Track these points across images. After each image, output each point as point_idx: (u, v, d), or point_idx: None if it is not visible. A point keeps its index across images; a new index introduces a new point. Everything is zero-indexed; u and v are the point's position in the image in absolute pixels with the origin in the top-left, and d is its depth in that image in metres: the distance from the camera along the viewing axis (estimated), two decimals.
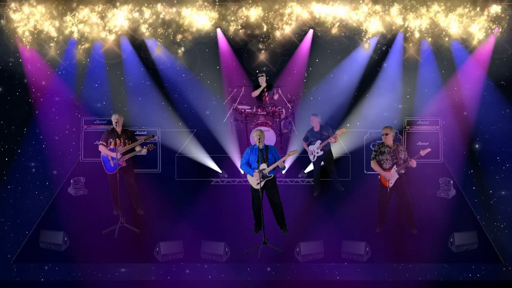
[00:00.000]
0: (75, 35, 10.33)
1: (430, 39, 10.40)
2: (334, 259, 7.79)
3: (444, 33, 10.25)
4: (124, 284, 7.51)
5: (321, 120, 9.43)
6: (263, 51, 11.25)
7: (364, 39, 10.65)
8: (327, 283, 7.49)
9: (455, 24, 10.13)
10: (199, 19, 10.32)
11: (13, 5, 10.08)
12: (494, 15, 10.01)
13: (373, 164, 8.17)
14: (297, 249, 7.80)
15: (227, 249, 7.84)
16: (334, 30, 10.45)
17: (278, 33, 10.57)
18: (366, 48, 10.96)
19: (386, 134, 8.08)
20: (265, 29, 10.55)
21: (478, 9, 10.01)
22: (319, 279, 7.54)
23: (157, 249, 7.81)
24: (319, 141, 9.34)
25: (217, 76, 11.88)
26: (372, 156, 8.22)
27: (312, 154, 9.45)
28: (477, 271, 7.58)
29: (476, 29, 10.13)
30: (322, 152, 9.40)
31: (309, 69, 11.84)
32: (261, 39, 10.99)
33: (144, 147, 8.57)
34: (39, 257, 7.90)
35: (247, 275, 7.59)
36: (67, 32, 10.26)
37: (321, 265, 7.71)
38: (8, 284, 7.55)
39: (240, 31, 10.54)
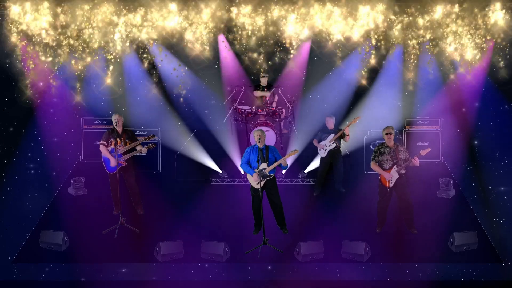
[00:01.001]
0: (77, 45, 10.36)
1: (431, 51, 10.43)
2: (334, 259, 7.80)
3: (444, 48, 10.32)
4: (124, 284, 7.50)
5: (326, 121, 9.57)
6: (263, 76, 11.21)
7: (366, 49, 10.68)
8: (327, 283, 7.49)
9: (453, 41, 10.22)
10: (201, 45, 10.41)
11: (13, 5, 10.06)
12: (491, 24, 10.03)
13: (373, 165, 8.18)
14: (297, 249, 7.80)
15: (227, 249, 7.84)
16: (334, 47, 10.52)
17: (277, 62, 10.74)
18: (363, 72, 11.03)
19: (390, 133, 8.08)
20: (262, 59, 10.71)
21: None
22: (319, 279, 7.54)
23: (157, 249, 7.81)
24: (332, 134, 9.37)
25: (217, 76, 11.87)
26: (372, 157, 8.23)
27: (323, 148, 9.46)
28: (477, 271, 7.58)
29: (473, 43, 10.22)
30: (334, 145, 9.41)
31: (308, 67, 11.83)
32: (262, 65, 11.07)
33: (145, 146, 8.59)
34: (39, 257, 7.90)
35: (247, 275, 7.59)
36: (65, 42, 10.29)
37: (321, 265, 7.71)
38: (8, 284, 7.54)
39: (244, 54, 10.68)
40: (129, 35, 10.37)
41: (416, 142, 10.63)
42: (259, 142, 8.05)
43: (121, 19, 10.24)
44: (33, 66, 10.51)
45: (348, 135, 9.41)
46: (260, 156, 8.02)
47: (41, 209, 9.16)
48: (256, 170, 7.97)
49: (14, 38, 10.22)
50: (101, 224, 8.55)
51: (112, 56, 10.57)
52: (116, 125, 8.58)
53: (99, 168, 9.10)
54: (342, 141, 9.59)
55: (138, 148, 8.61)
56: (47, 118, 10.92)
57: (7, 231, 8.58)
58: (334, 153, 9.51)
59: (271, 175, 8.12)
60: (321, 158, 9.62)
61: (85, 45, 10.44)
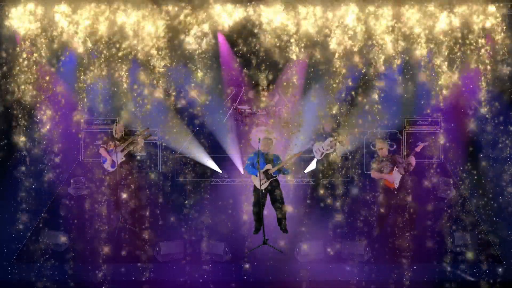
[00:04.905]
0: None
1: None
2: (334, 259, 7.80)
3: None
4: (124, 284, 7.51)
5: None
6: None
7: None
8: (327, 283, 7.50)
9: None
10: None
11: (13, 4, 10.04)
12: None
13: (374, 174, 8.22)
14: (297, 249, 7.80)
15: (227, 249, 7.85)
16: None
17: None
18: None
19: (381, 149, 8.16)
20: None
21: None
22: (319, 279, 7.54)
23: (157, 249, 7.81)
24: (330, 138, 9.21)
25: (217, 76, 11.83)
26: (371, 168, 8.28)
27: (319, 151, 9.34)
28: (477, 271, 7.58)
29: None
30: (332, 149, 9.25)
31: (308, 64, 11.77)
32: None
33: (140, 136, 8.72)
34: (39, 257, 7.90)
35: (247, 275, 7.59)
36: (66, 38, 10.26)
37: (321, 265, 7.71)
38: (8, 284, 7.55)
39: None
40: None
41: (416, 142, 10.59)
42: (259, 141, 8.09)
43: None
44: (32, 64, 10.50)
45: (344, 141, 9.17)
46: (265, 158, 8.08)
47: (41, 209, 9.17)
48: (261, 170, 8.00)
49: (14, 35, 10.18)
50: (101, 224, 8.56)
51: (113, 57, 10.55)
52: (115, 134, 8.74)
53: (99, 168, 9.12)
54: (338, 144, 9.34)
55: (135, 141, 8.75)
56: (46, 117, 10.90)
57: (7, 229, 8.58)
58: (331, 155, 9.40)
59: (275, 176, 8.14)
60: (318, 160, 9.50)
61: (85, 44, 10.42)
